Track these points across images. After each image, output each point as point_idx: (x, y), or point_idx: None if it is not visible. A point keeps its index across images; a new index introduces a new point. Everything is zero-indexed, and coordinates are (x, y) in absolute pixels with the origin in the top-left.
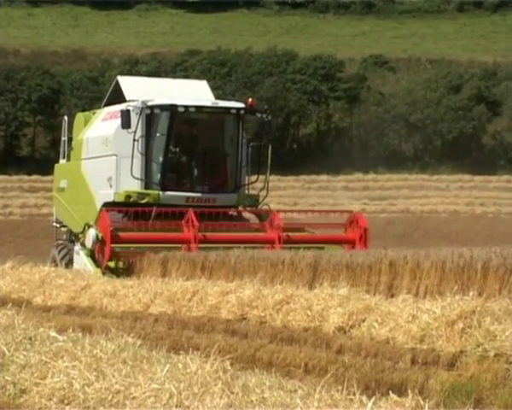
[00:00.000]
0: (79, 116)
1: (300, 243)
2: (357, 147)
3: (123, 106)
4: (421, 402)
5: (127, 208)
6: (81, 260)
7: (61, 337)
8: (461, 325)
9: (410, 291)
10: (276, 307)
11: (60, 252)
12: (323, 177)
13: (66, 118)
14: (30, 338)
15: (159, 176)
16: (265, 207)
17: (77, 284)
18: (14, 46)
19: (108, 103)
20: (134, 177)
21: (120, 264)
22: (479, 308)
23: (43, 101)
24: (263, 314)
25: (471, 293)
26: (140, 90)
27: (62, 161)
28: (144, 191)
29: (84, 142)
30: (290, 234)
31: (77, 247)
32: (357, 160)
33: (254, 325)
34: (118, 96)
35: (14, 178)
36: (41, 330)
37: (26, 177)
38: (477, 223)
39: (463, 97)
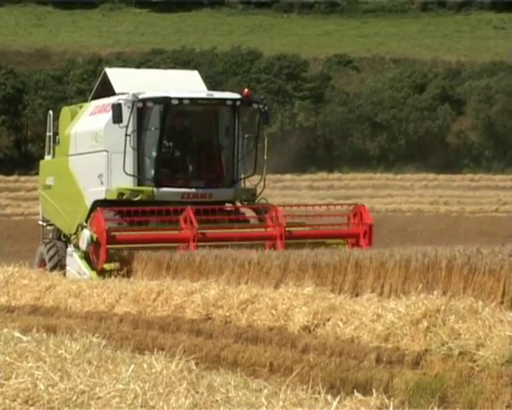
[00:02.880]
0: (65, 110)
1: (303, 238)
2: (322, 146)
3: (113, 99)
4: (386, 401)
5: (121, 207)
6: (75, 262)
7: (25, 338)
8: (425, 324)
9: (374, 290)
10: (241, 306)
11: (48, 251)
12: (288, 176)
13: (51, 112)
14: None
15: (152, 172)
16: (263, 201)
17: (41, 284)
18: None
19: (96, 96)
20: (126, 173)
21: (113, 266)
22: (443, 307)
23: (7, 100)
24: (228, 314)
25: (435, 292)
26: (130, 82)
27: (48, 158)
28: (137, 188)
29: (72, 137)
30: (292, 230)
31: (70, 249)
32: (321, 159)
33: (219, 324)
34: (106, 89)
35: None
36: (5, 330)
37: None
38: (441, 222)
39: (428, 97)
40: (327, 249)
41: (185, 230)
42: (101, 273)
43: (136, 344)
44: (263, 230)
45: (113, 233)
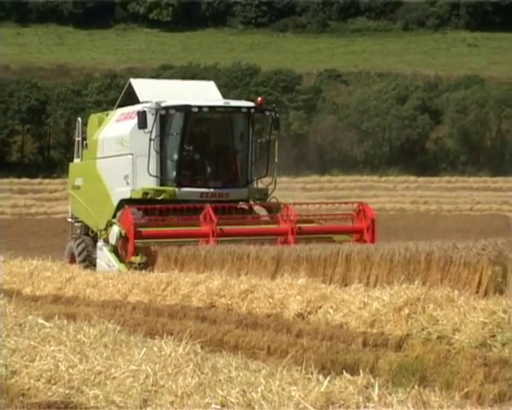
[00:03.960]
0: (93, 117)
1: (312, 233)
2: (314, 152)
3: (138, 107)
4: (372, 380)
5: (146, 206)
6: (105, 256)
7: (48, 324)
8: (407, 311)
9: (361, 281)
10: (242, 295)
11: (78, 246)
12: (284, 178)
13: (79, 119)
14: (20, 325)
15: (174, 173)
16: (273, 200)
17: (62, 275)
18: (4, 62)
19: (121, 105)
20: (150, 174)
21: (139, 258)
22: (423, 296)
23: (32, 111)
24: (230, 302)
25: (416, 282)
26: (153, 91)
27: (77, 161)
28: (160, 188)
29: (99, 142)
30: (302, 226)
31: (100, 243)
32: (314, 163)
33: (222, 312)
34: (130, 98)
35: (5, 181)
36: (30, 317)
37: (15, 180)
38: (421, 219)
39: (409, 107)
40: (319, 244)
41: (205, 226)
42: (129, 265)
43: (148, 330)
44: (275, 226)
45: (139, 229)
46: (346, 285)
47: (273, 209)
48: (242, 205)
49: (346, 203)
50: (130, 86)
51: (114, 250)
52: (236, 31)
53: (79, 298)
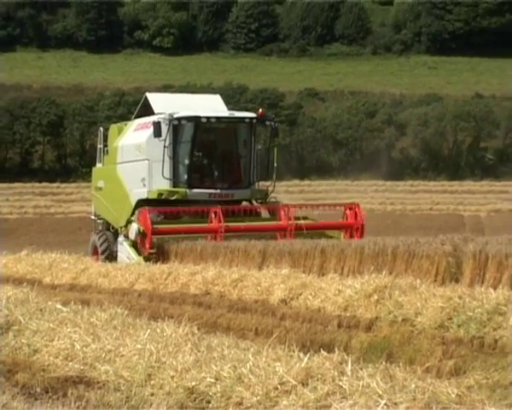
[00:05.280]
0: (113, 127)
1: (308, 229)
2: (296, 159)
3: (153, 118)
4: (346, 357)
5: (163, 208)
6: (125, 249)
7: (65, 309)
8: (376, 297)
9: (336, 271)
10: (233, 284)
11: (99, 238)
12: (268, 183)
13: (101, 129)
14: (41, 310)
15: (185, 176)
16: (273, 200)
17: (77, 267)
18: (27, 82)
19: (138, 116)
20: (164, 177)
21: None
22: (390, 284)
23: (51, 125)
24: (222, 290)
25: (384, 272)
26: (166, 104)
27: (99, 165)
28: (174, 189)
29: (119, 149)
30: (299, 223)
31: (120, 238)
32: (295, 169)
33: (216, 298)
34: (146, 110)
35: (28, 185)
36: (49, 303)
37: (37, 184)
38: (388, 218)
39: (377, 121)
40: (299, 240)
41: (214, 223)
42: (147, 258)
43: (151, 314)
44: (275, 223)
45: (156, 226)
46: (323, 275)
47: (274, 208)
48: (249, 206)
49: (339, 206)
50: (146, 99)
51: (133, 245)
52: (228, 55)
53: (92, 286)
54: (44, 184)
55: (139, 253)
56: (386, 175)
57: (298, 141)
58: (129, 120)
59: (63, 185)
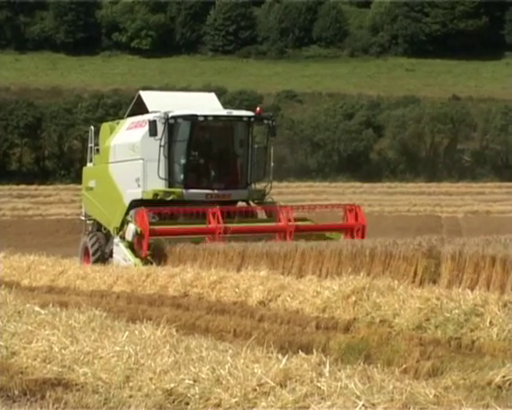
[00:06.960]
0: (105, 126)
1: (307, 231)
2: (274, 161)
3: (148, 116)
4: (324, 358)
5: (161, 208)
6: (121, 251)
7: (43, 311)
8: (354, 298)
9: (314, 273)
10: (212, 285)
11: (90, 239)
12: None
13: (92, 128)
14: (19, 312)
15: (181, 176)
16: (270, 200)
17: (55, 269)
18: (5, 84)
19: (131, 114)
20: (160, 177)
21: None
22: (367, 285)
23: (29, 127)
24: (201, 292)
25: (361, 273)
26: (160, 102)
27: (90, 165)
28: (169, 190)
29: (111, 148)
30: (298, 224)
31: (116, 239)
32: (273, 171)
33: (194, 299)
34: (139, 108)
35: (6, 187)
36: (27, 305)
37: (14, 186)
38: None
39: (355, 123)
40: (277, 242)
41: (212, 224)
42: (144, 260)
43: (130, 316)
44: (274, 224)
45: (153, 227)
46: (301, 277)
47: (273, 209)
48: (246, 207)
49: (338, 206)
50: (140, 97)
51: (130, 246)
52: (206, 57)
53: (70, 288)
54: (22, 186)
55: (136, 254)
56: (364, 177)
57: (276, 143)
58: (106, 121)
59: (41, 187)
